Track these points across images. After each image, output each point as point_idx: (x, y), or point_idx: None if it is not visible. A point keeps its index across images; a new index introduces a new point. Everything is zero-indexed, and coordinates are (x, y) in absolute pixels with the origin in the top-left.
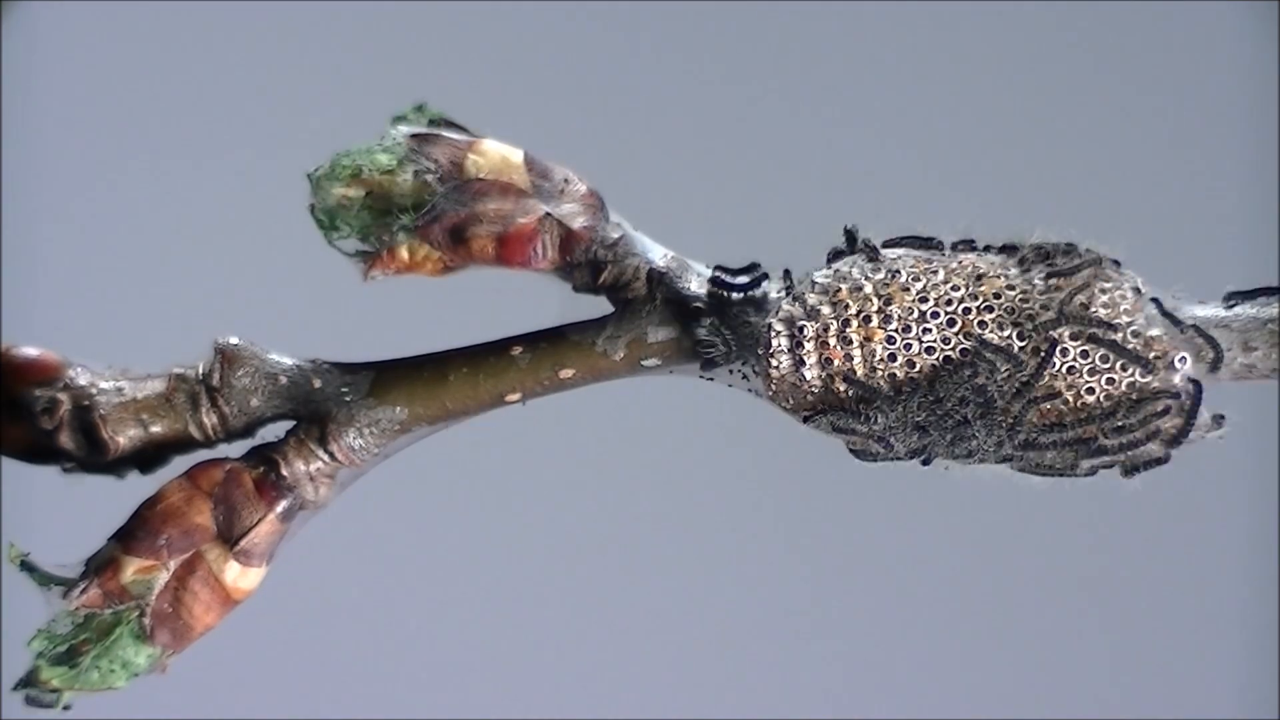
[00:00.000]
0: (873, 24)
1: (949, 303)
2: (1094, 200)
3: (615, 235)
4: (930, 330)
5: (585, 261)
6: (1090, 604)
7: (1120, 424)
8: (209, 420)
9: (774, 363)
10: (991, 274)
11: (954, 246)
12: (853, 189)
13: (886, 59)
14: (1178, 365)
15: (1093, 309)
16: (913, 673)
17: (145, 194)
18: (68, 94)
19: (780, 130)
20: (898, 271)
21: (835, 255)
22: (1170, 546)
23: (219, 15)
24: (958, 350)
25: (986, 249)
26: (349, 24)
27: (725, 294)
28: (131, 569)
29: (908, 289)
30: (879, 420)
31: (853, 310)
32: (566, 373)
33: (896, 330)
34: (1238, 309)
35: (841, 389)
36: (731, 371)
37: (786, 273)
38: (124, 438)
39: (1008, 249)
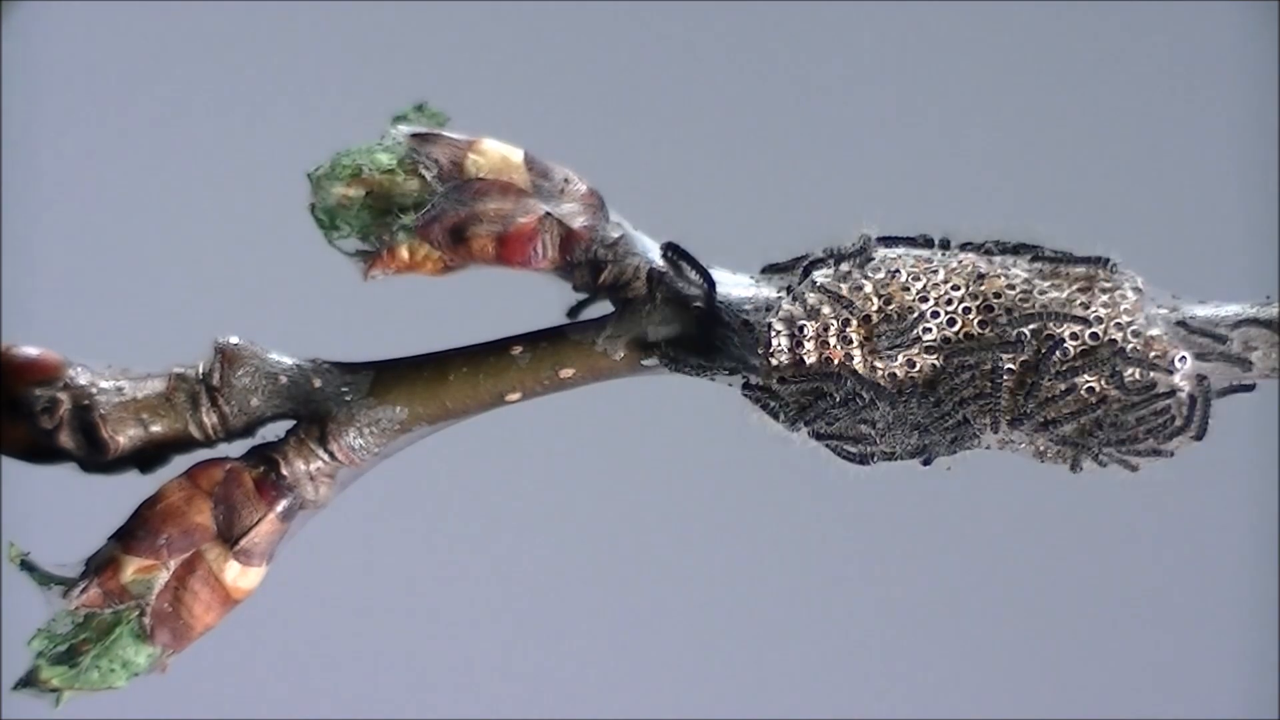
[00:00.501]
0: (873, 24)
1: (949, 302)
2: (1094, 200)
3: (615, 235)
4: (930, 330)
5: (585, 261)
6: (1090, 604)
7: (1120, 423)
8: (209, 420)
9: (773, 362)
10: (992, 274)
11: (953, 246)
12: (853, 189)
13: (887, 59)
14: (1177, 365)
15: (1093, 309)
16: (913, 673)
17: (145, 194)
18: (68, 94)
19: (780, 130)
20: (898, 271)
21: (835, 255)
22: (1170, 546)
23: (219, 15)
24: (958, 350)
25: (987, 249)
26: (349, 24)
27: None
28: (131, 568)
29: (908, 288)
30: (880, 420)
31: (853, 310)
32: (567, 372)
33: (897, 330)
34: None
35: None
36: (731, 371)
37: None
38: (124, 437)
39: (1008, 249)
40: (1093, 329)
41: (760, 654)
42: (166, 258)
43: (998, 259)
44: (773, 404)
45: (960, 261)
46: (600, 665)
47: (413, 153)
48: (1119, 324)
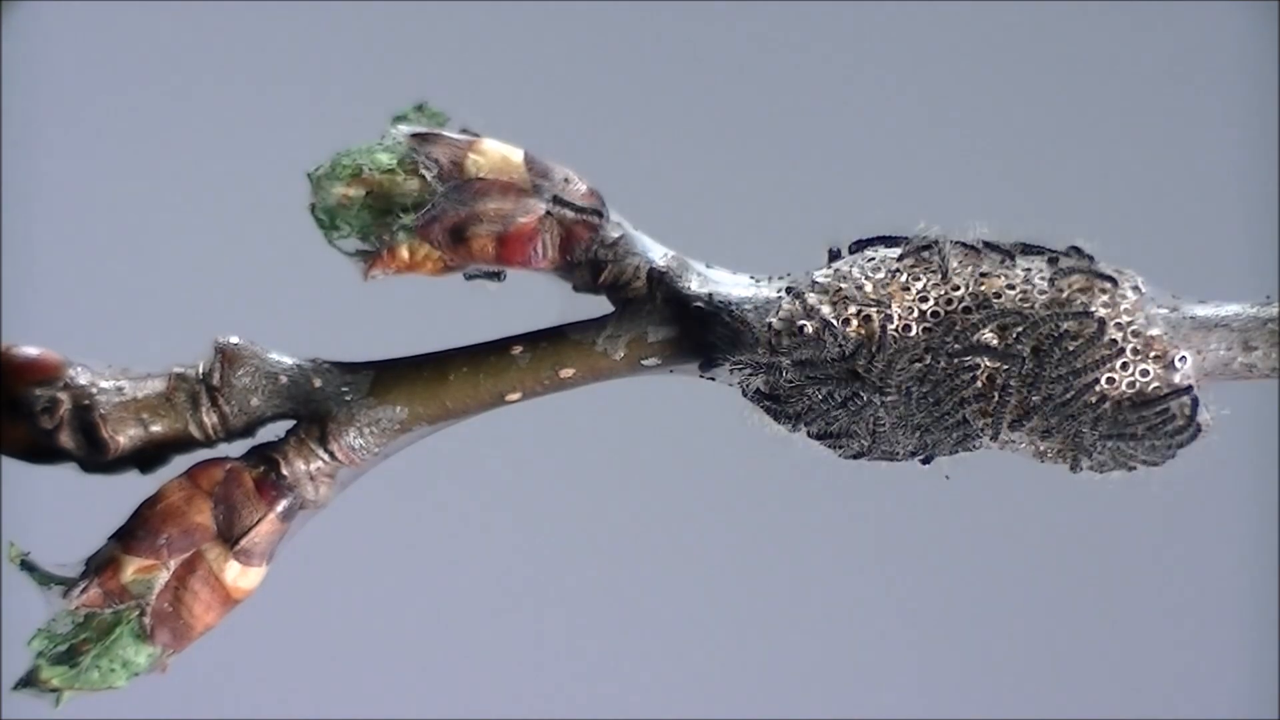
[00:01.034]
0: (873, 24)
1: (949, 302)
2: (1094, 200)
3: (615, 234)
4: (931, 330)
5: (585, 261)
6: (1090, 603)
7: (1120, 423)
8: (209, 419)
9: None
10: (993, 274)
11: (954, 246)
12: (854, 188)
13: (887, 59)
14: (1178, 365)
15: (1093, 309)
16: (913, 673)
17: (145, 194)
18: (68, 94)
19: (781, 130)
20: (898, 271)
21: (835, 254)
22: (1170, 546)
23: (219, 15)
24: (958, 350)
25: (987, 249)
26: (349, 24)
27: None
28: (132, 568)
29: (908, 288)
30: (880, 420)
31: (853, 309)
32: (567, 372)
33: (897, 330)
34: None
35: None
36: (732, 371)
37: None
38: (124, 437)
39: (1008, 249)
40: (1093, 329)
41: (760, 654)
42: (166, 258)
43: (998, 260)
44: (772, 404)
45: (960, 261)
46: (600, 665)
47: (413, 153)
48: (1119, 324)
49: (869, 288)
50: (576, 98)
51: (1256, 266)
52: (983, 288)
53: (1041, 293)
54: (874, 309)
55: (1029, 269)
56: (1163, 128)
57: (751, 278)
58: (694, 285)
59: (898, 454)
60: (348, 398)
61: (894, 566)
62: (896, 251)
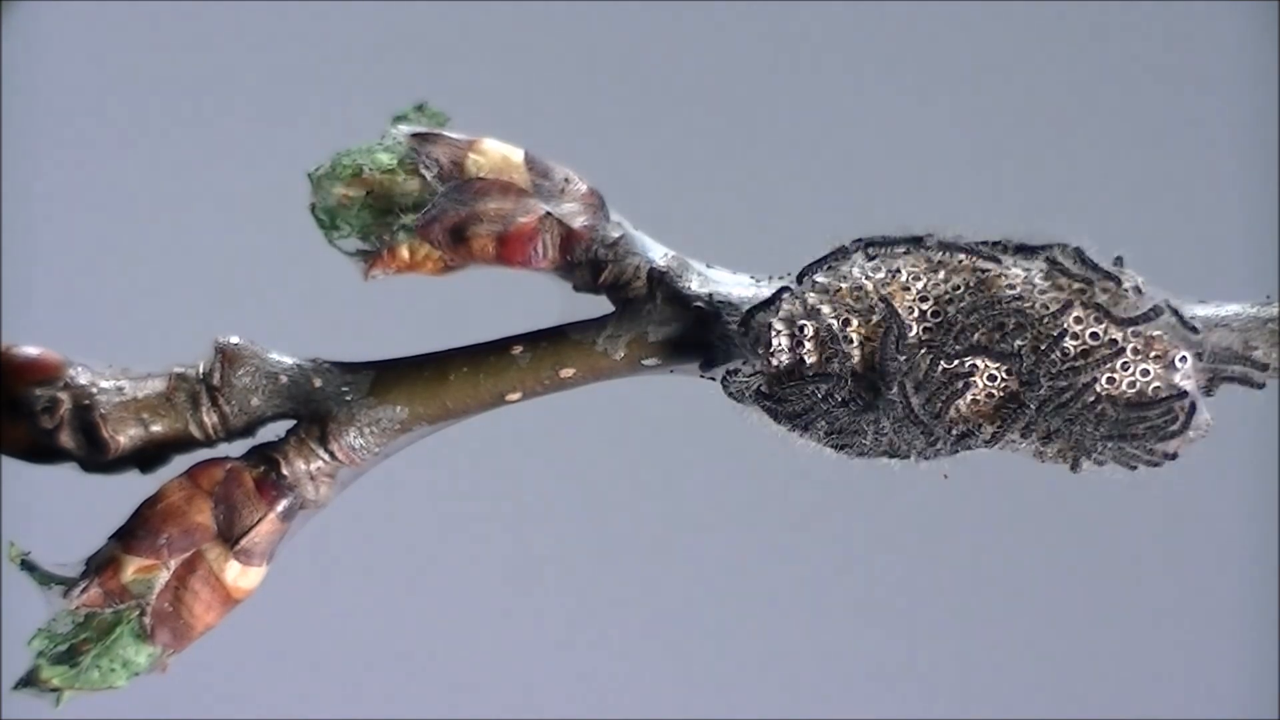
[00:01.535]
0: (873, 23)
1: (949, 302)
2: (1094, 200)
3: (616, 234)
4: (931, 330)
5: (585, 261)
6: (1090, 603)
7: (1121, 423)
8: (209, 419)
9: (774, 362)
10: (993, 274)
11: (954, 246)
12: (854, 188)
13: (887, 59)
14: (1178, 365)
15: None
16: (912, 672)
17: (145, 194)
18: (68, 94)
19: (781, 130)
20: (898, 271)
21: (835, 254)
22: (1170, 546)
23: (219, 15)
24: (958, 351)
25: (987, 249)
26: (349, 24)
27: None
28: (132, 568)
29: (908, 288)
30: (880, 419)
31: (853, 310)
32: (567, 372)
33: (895, 331)
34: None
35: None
36: (731, 371)
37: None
38: (124, 437)
39: (1008, 249)
40: (1093, 329)
41: (760, 654)
42: (166, 258)
43: (998, 259)
44: (773, 404)
45: (960, 262)
46: (600, 665)
47: (413, 153)
48: (1120, 324)
49: (869, 287)
50: (576, 97)
51: (1256, 266)
52: (983, 288)
53: (1042, 293)
54: (874, 309)
55: (1029, 269)
56: (1163, 128)
57: (751, 278)
58: (694, 285)
59: (898, 453)
60: (348, 397)
61: (894, 566)
62: (897, 251)
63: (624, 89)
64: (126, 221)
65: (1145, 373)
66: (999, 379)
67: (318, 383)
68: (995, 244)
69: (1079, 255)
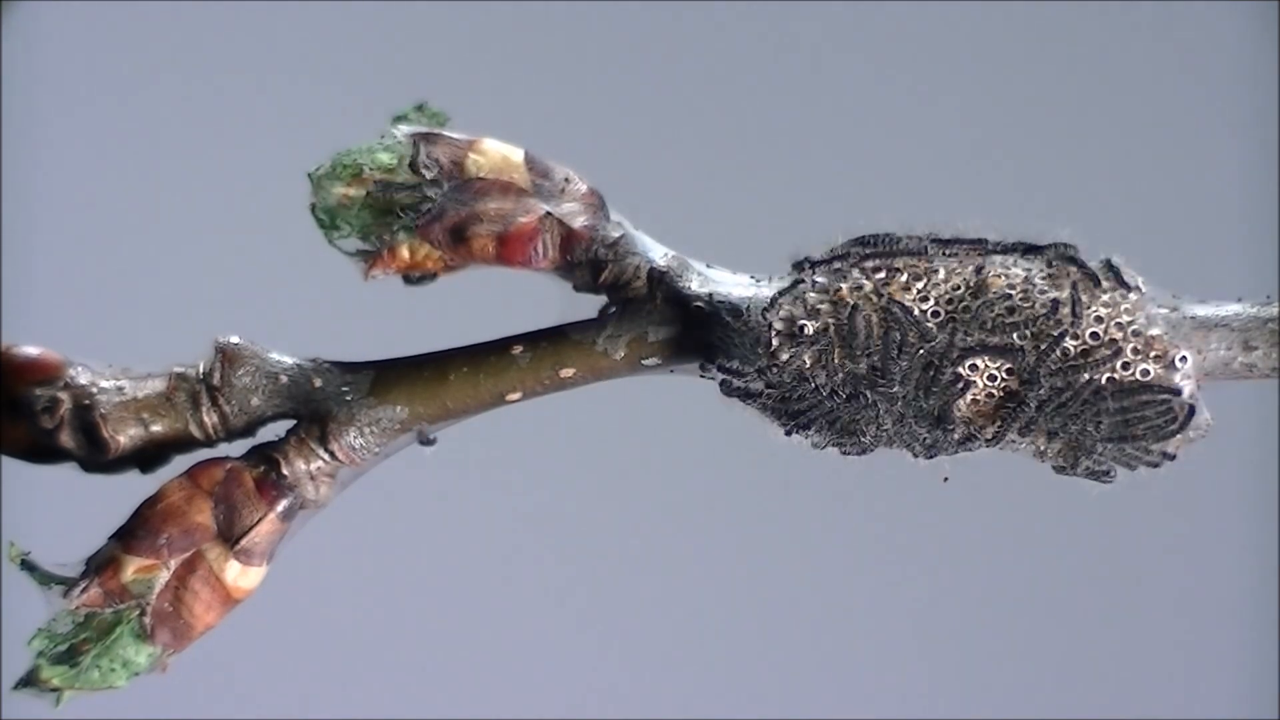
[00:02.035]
0: (873, 23)
1: (949, 302)
2: (1095, 200)
3: (616, 234)
4: (931, 330)
5: (586, 261)
6: (1091, 603)
7: (1121, 423)
8: (209, 419)
9: (774, 361)
10: (993, 273)
11: (954, 246)
12: (854, 188)
13: (887, 59)
14: (1178, 365)
15: (1093, 309)
16: (913, 672)
17: (145, 194)
18: (68, 94)
19: (781, 129)
20: (898, 271)
21: (835, 254)
22: (1170, 546)
23: (219, 15)
24: (958, 350)
25: (987, 248)
26: (349, 24)
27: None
28: (132, 568)
29: (908, 288)
30: (881, 419)
31: (853, 309)
32: (567, 372)
33: (897, 330)
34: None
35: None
36: (731, 371)
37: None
38: (124, 437)
39: (1008, 248)
40: (1093, 329)
41: (760, 653)
42: (166, 257)
43: (998, 259)
44: (773, 404)
45: (960, 261)
46: (600, 665)
47: (413, 153)
48: (1119, 324)
49: (869, 287)
50: (576, 98)
51: (1256, 266)
52: (983, 288)
53: (1042, 292)
54: (874, 309)
55: (1029, 269)
56: (1163, 128)
57: (752, 278)
58: (694, 285)
59: (899, 449)
60: (348, 397)
61: (894, 566)
62: (897, 251)
63: (624, 89)
64: (126, 221)
65: (1145, 373)
66: (999, 378)
67: (318, 383)
68: (995, 243)
69: (1079, 255)
